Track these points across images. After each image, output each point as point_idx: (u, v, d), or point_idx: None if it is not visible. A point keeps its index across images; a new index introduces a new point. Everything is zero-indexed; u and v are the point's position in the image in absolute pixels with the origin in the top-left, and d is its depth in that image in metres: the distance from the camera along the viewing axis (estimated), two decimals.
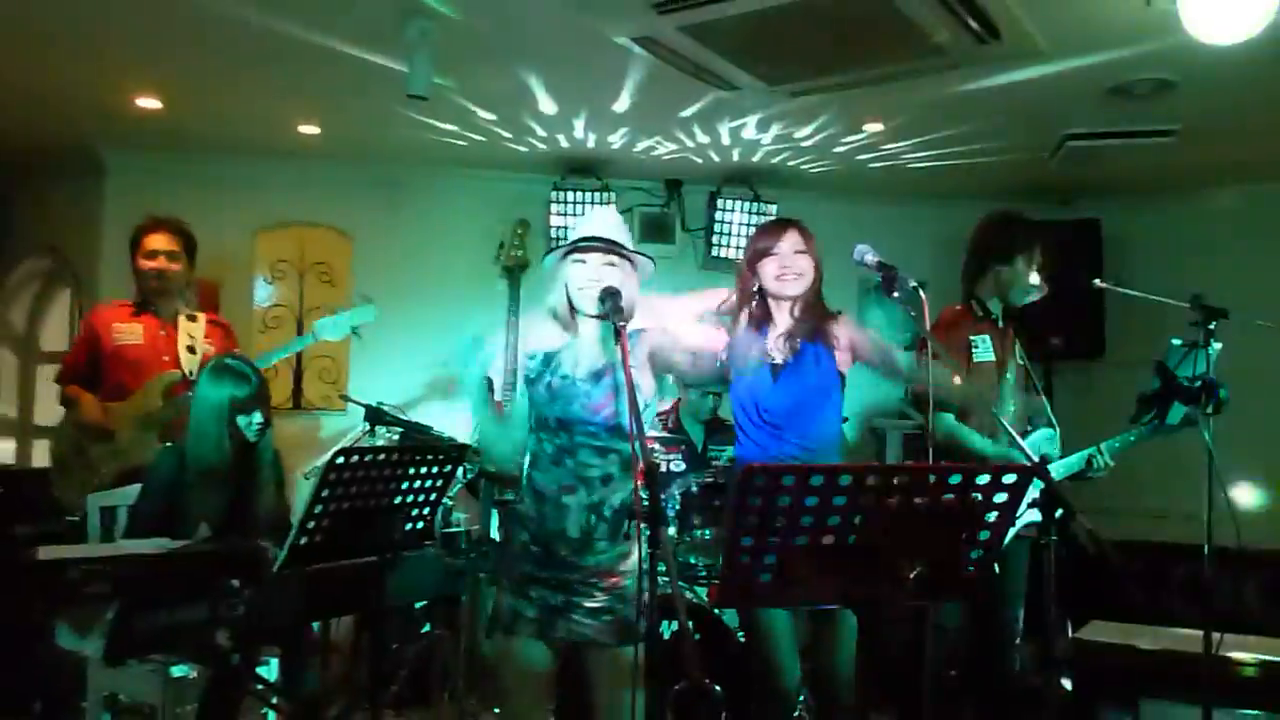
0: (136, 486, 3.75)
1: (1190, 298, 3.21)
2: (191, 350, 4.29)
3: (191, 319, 4.33)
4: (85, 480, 4.03)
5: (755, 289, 3.18)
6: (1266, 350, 4.37)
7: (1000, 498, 1.95)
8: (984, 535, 2.01)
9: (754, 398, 3.11)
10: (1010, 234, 3.92)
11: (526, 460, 2.80)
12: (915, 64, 4.02)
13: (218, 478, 3.39)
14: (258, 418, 3.42)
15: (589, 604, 2.66)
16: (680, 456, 4.55)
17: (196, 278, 4.53)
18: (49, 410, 6.16)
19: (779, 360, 3.14)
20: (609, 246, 2.73)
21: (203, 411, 3.38)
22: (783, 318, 3.16)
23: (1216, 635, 3.07)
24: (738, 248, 5.71)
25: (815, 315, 3.18)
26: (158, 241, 4.24)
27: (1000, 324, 3.97)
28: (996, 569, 3.47)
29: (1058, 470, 3.58)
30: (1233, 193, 5.60)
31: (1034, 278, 3.88)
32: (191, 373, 4.24)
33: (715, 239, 5.80)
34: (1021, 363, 3.98)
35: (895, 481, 1.91)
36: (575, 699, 2.80)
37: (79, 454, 4.13)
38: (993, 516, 1.99)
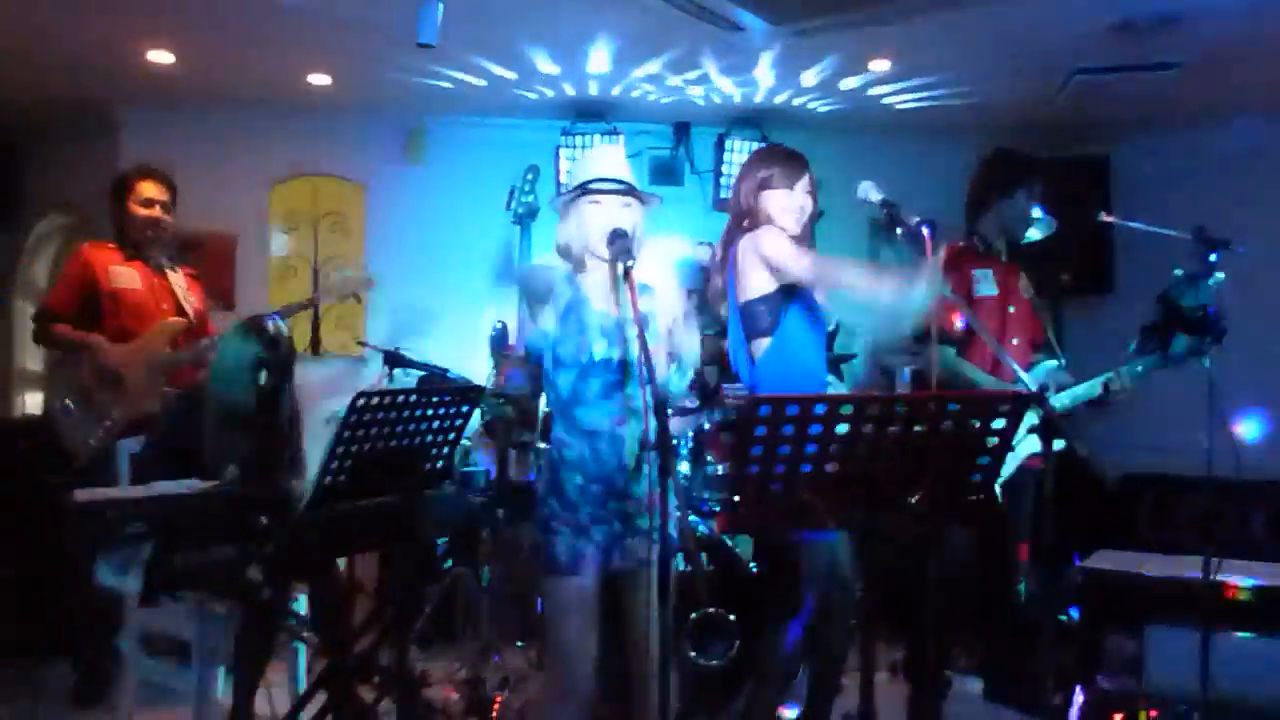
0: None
1: (1194, 229, 3.25)
2: (185, 299, 4.33)
3: (173, 270, 4.35)
4: (93, 427, 4.03)
5: (759, 215, 3.21)
6: (1272, 282, 4.41)
7: (998, 424, 2.03)
8: (983, 461, 2.08)
9: (817, 345, 3.18)
10: (1009, 169, 3.97)
11: (557, 400, 2.85)
12: (920, 0, 4.03)
13: (236, 430, 3.47)
14: (273, 380, 3.50)
15: (641, 525, 2.74)
16: (694, 394, 4.62)
17: (213, 230, 4.60)
18: None
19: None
20: (623, 187, 2.78)
21: (230, 362, 3.48)
22: None
23: (1216, 561, 3.15)
24: None
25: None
26: (152, 190, 4.24)
27: (1004, 259, 4.02)
28: (1001, 499, 3.58)
29: (1069, 397, 3.65)
30: (1241, 126, 5.58)
31: (1035, 211, 3.91)
32: (194, 321, 4.31)
33: (724, 180, 5.82)
34: (1027, 296, 4.03)
35: (896, 410, 1.98)
36: (613, 622, 2.88)
37: (85, 399, 4.10)
38: (992, 442, 2.06)
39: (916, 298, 2.65)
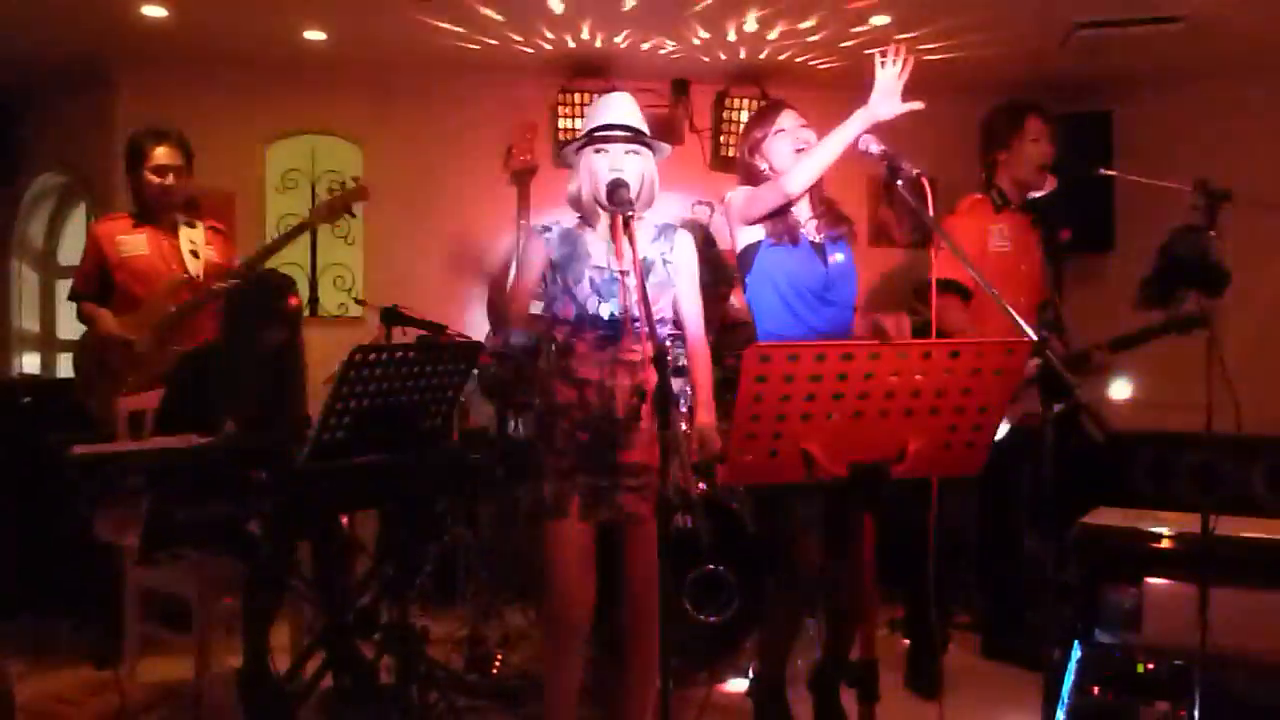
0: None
1: (1195, 181, 3.23)
2: (195, 255, 4.35)
3: (190, 225, 4.39)
4: (111, 392, 4.10)
5: (764, 172, 3.22)
6: (1274, 236, 4.39)
7: (998, 373, 2.02)
8: (983, 409, 2.08)
9: (802, 271, 3.16)
10: (1010, 116, 3.96)
11: (551, 349, 2.85)
12: None
13: (249, 378, 3.49)
14: (280, 333, 3.51)
15: (632, 482, 2.75)
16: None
17: (211, 188, 4.58)
18: (71, 324, 6.27)
19: (817, 239, 3.20)
20: (630, 134, 2.75)
21: (239, 315, 3.48)
22: (800, 203, 3.20)
23: (1214, 517, 3.15)
24: None
25: (830, 204, 3.26)
26: (166, 155, 4.28)
27: (1021, 215, 4.00)
28: (1006, 457, 3.58)
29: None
30: (1243, 82, 5.53)
31: (1037, 153, 3.89)
32: (198, 275, 4.32)
33: (723, 139, 5.79)
34: (1039, 253, 4.01)
35: (897, 358, 1.97)
36: (610, 575, 2.91)
37: (102, 367, 4.22)
38: (992, 391, 2.06)
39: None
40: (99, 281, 4.28)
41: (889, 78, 2.80)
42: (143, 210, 4.32)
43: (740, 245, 3.24)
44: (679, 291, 2.93)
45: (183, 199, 4.37)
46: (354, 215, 4.44)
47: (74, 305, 4.37)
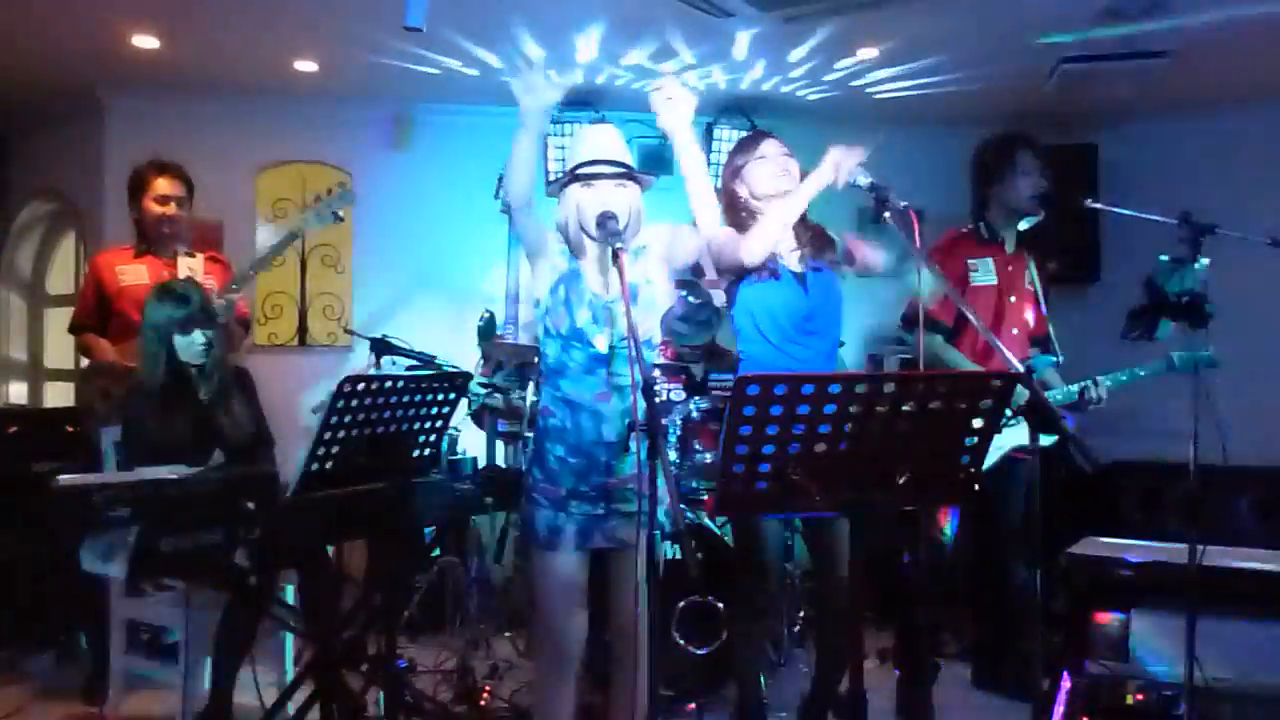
0: None
1: (1179, 214, 3.25)
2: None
3: (190, 255, 4.38)
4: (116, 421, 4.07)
5: (744, 199, 3.23)
6: (1260, 268, 4.42)
7: (985, 403, 2.03)
8: (970, 441, 2.09)
9: (782, 303, 3.16)
10: (1001, 149, 3.98)
11: (545, 367, 2.85)
12: None
13: (169, 401, 3.46)
14: (199, 338, 3.46)
15: (626, 509, 2.75)
16: (680, 386, 4.63)
17: (200, 218, 4.59)
18: (58, 353, 6.26)
19: (798, 269, 3.21)
20: (615, 168, 2.76)
21: (145, 334, 3.46)
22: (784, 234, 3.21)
23: (1201, 547, 3.16)
24: None
25: (816, 231, 3.27)
26: (167, 186, 4.29)
27: (1008, 249, 4.01)
28: (995, 489, 3.59)
29: (1054, 398, 3.66)
30: (1229, 115, 5.60)
31: (1029, 185, 3.91)
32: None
33: (712, 169, 5.80)
34: (1030, 288, 4.03)
35: (884, 389, 1.98)
36: (600, 602, 2.90)
37: (105, 398, 4.17)
38: (979, 422, 2.07)
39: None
40: (98, 314, 4.27)
41: (840, 148, 2.83)
42: (144, 241, 4.33)
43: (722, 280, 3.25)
44: (659, 297, 2.93)
45: (185, 230, 4.38)
46: (342, 219, 4.43)
47: (74, 339, 4.37)
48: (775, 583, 3.19)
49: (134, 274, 4.27)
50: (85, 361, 4.47)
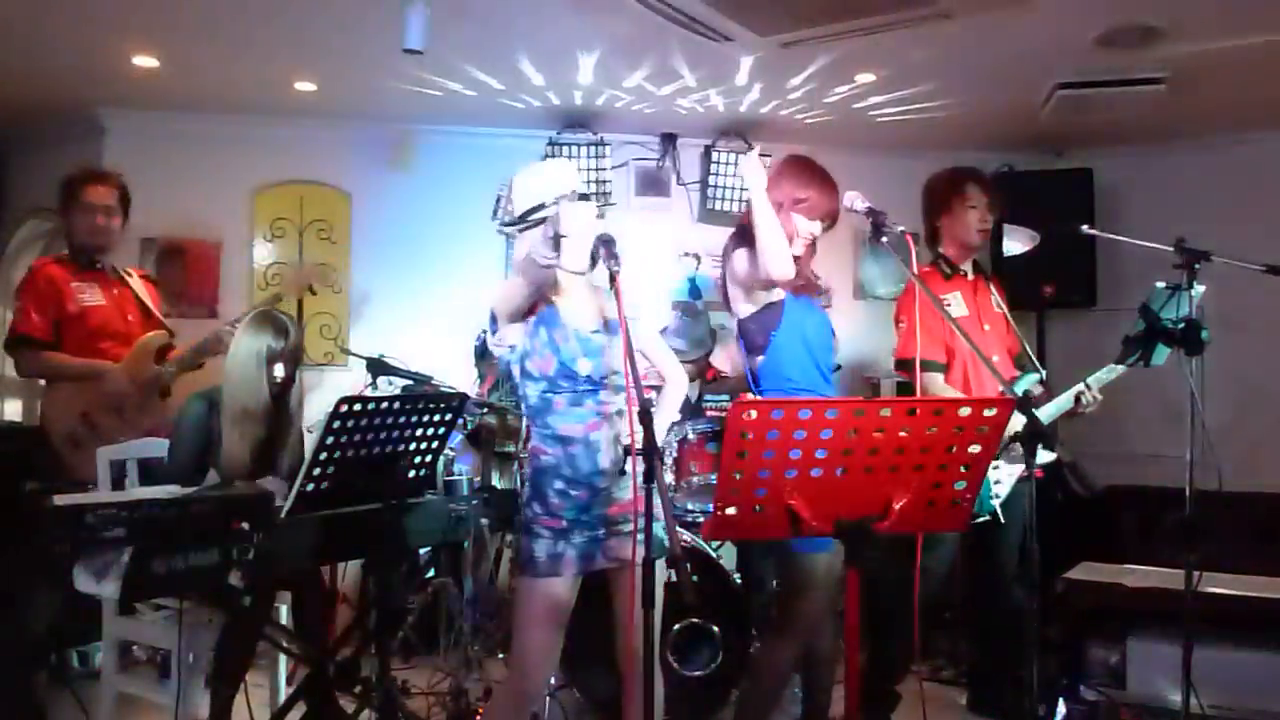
0: (145, 440, 3.84)
1: (1174, 240, 3.27)
2: (145, 307, 4.26)
3: (128, 274, 4.28)
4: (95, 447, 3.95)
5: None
6: (1255, 295, 4.43)
7: (982, 430, 2.03)
8: (966, 467, 2.09)
9: (822, 342, 3.20)
10: (950, 182, 4.00)
11: (528, 408, 2.84)
12: (906, 13, 4.04)
13: (252, 422, 3.48)
14: (280, 371, 3.51)
15: (623, 529, 2.75)
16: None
17: (197, 239, 4.56)
18: None
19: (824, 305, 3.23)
20: (589, 199, 2.80)
21: (244, 356, 3.47)
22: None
23: (1197, 574, 3.16)
24: (733, 201, 5.75)
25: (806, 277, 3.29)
26: (101, 195, 4.17)
27: (970, 277, 4.04)
28: (1000, 516, 3.59)
29: (1049, 411, 3.66)
30: (1224, 141, 5.63)
31: (976, 219, 3.93)
32: (173, 336, 4.27)
33: (710, 192, 5.83)
34: (1000, 311, 4.04)
35: (881, 415, 1.98)
36: (600, 619, 2.91)
37: (91, 427, 4.10)
38: (975, 449, 2.06)
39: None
40: (54, 330, 4.08)
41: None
42: (74, 251, 4.18)
43: (740, 309, 3.22)
44: (646, 343, 2.95)
45: (116, 242, 4.24)
46: (314, 294, 4.43)
47: (15, 354, 4.16)
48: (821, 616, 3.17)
49: (90, 295, 4.12)
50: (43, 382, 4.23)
